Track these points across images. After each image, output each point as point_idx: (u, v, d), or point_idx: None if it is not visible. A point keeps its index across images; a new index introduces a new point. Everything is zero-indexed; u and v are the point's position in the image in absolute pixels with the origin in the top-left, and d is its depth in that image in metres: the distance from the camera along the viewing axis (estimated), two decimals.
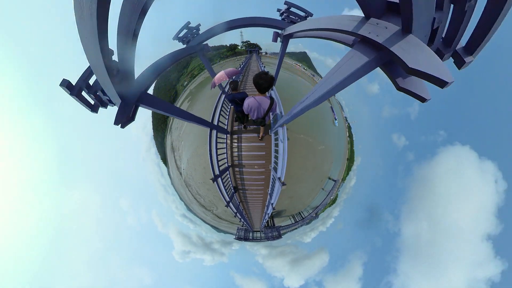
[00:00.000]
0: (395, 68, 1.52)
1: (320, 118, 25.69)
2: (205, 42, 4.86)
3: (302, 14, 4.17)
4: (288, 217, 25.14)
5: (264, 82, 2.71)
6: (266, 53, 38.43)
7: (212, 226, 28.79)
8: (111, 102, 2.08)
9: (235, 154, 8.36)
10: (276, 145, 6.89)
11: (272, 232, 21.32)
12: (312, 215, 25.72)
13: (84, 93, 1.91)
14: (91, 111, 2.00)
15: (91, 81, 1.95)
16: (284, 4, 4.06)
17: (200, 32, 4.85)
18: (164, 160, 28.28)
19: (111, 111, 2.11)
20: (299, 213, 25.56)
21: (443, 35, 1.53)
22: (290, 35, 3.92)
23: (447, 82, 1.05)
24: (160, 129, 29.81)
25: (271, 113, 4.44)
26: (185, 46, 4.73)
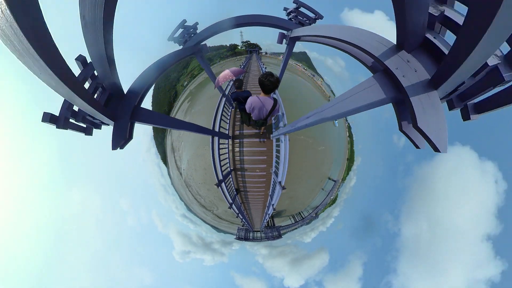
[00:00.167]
0: (405, 112, 1.51)
1: None
2: (203, 42, 4.44)
3: (312, 15, 3.81)
4: (288, 217, 25.19)
5: (270, 84, 2.71)
6: (266, 53, 38.40)
7: (212, 226, 28.81)
8: (104, 123, 1.97)
9: (237, 158, 8.45)
10: (278, 151, 6.93)
11: (272, 232, 21.37)
12: (312, 215, 25.76)
13: (72, 120, 1.74)
14: (86, 134, 1.87)
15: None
16: (293, 2, 3.68)
17: (198, 31, 4.37)
18: (164, 160, 28.28)
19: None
20: (299, 213, 25.59)
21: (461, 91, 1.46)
22: (297, 38, 3.65)
23: (440, 152, 1.21)
24: (160, 129, 29.78)
25: (272, 114, 4.46)
26: (181, 47, 4.22)
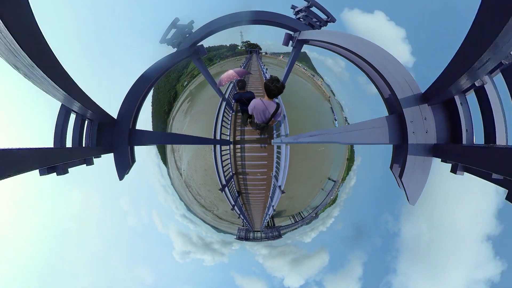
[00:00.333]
0: (400, 157, 1.62)
1: (320, 119, 25.74)
2: (200, 43, 3.97)
3: (324, 17, 3.41)
4: (288, 217, 25.25)
5: (276, 89, 2.74)
6: (266, 53, 38.32)
7: (212, 226, 28.85)
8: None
9: (239, 163, 8.60)
10: (279, 157, 6.99)
11: (272, 232, 21.41)
12: (312, 215, 25.82)
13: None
14: (87, 165, 1.72)
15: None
16: (305, 0, 3.24)
17: (193, 30, 3.81)
18: (164, 160, 28.29)
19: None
20: (299, 213, 25.66)
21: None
22: (306, 41, 3.32)
23: (409, 203, 1.43)
24: (160, 129, 29.80)
25: (274, 118, 4.49)
26: (176, 49, 3.76)
